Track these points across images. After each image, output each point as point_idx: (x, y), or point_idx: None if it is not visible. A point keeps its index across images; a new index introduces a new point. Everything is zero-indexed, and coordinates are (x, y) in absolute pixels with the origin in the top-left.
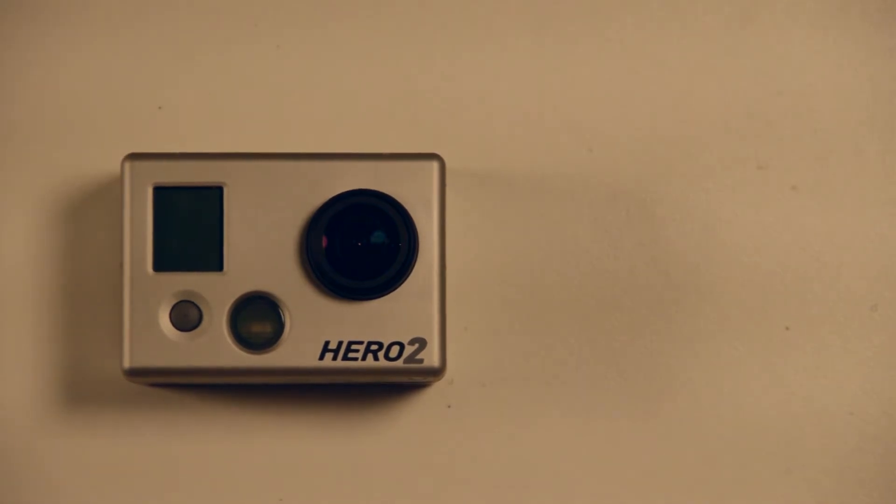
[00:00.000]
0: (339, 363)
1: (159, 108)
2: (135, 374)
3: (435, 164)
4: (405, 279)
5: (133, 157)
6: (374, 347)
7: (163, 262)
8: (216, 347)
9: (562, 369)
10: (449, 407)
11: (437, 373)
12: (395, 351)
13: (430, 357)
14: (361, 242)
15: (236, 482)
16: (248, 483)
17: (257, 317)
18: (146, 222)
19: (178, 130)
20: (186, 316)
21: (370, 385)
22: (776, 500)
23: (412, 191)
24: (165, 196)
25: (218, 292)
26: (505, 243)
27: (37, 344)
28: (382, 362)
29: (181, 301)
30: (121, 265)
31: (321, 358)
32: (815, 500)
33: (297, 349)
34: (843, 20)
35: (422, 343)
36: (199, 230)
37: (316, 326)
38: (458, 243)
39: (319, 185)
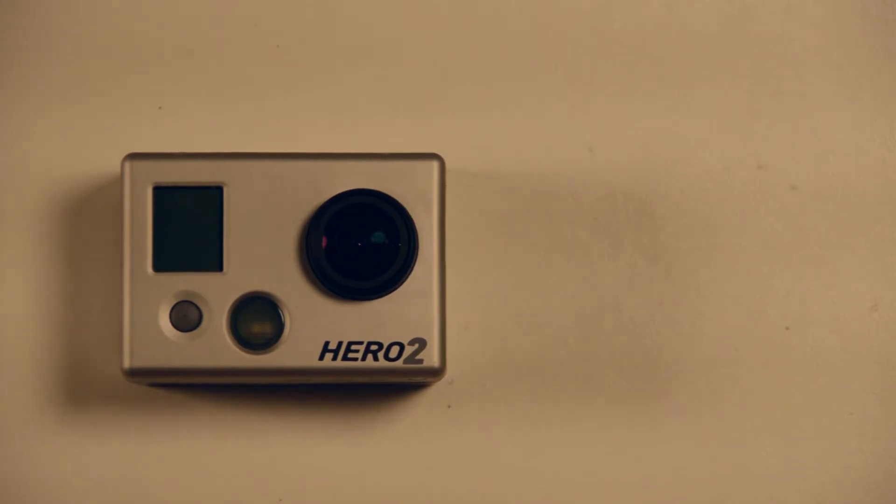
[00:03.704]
0: (339, 363)
1: (159, 108)
2: (135, 374)
3: (435, 164)
4: (405, 279)
5: (133, 157)
6: (373, 348)
7: (163, 263)
8: (216, 348)
9: (562, 370)
10: (449, 407)
11: (437, 373)
12: (394, 351)
13: (430, 357)
14: (361, 242)
15: (236, 482)
16: (248, 483)
17: (257, 317)
18: (146, 222)
19: (178, 130)
20: (186, 316)
21: (370, 385)
22: (776, 501)
23: (412, 191)
24: (165, 196)
25: (218, 292)
26: (504, 243)
27: (37, 344)
28: (382, 362)
29: (181, 301)
30: (121, 265)
31: (321, 358)
32: (816, 501)
33: (296, 349)
34: (844, 20)
35: (422, 343)
36: (199, 230)
37: (316, 327)
38: (458, 243)
39: (319, 185)
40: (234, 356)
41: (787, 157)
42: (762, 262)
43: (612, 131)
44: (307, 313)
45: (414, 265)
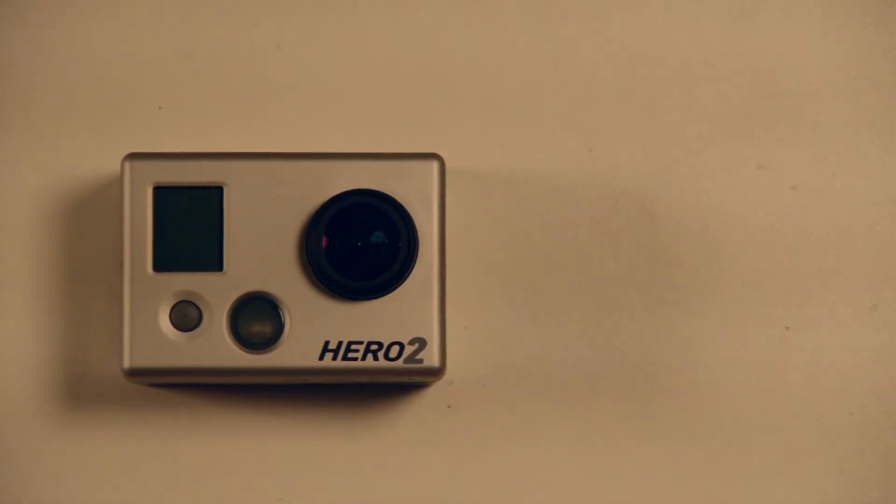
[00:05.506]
0: (339, 363)
1: (159, 108)
2: (135, 374)
3: (435, 164)
4: (405, 279)
5: (133, 157)
6: (373, 347)
7: (163, 262)
8: (216, 347)
9: (562, 369)
10: (449, 407)
11: (437, 373)
12: (394, 351)
13: (430, 357)
14: (361, 242)
15: (236, 482)
16: (248, 483)
17: (257, 317)
18: (146, 222)
19: (178, 130)
20: (186, 316)
21: (370, 385)
22: (776, 501)
23: (412, 191)
24: (165, 196)
25: (218, 292)
26: (505, 243)
27: (37, 344)
28: (382, 362)
29: (181, 301)
30: (121, 265)
31: (321, 358)
32: (815, 500)
33: (296, 349)
34: (843, 20)
35: (422, 343)
36: (199, 230)
37: (316, 326)
38: (458, 243)
39: (319, 185)
40: (234, 356)
41: (787, 157)
42: (762, 263)
43: (612, 131)
44: (307, 313)
45: (414, 265)
